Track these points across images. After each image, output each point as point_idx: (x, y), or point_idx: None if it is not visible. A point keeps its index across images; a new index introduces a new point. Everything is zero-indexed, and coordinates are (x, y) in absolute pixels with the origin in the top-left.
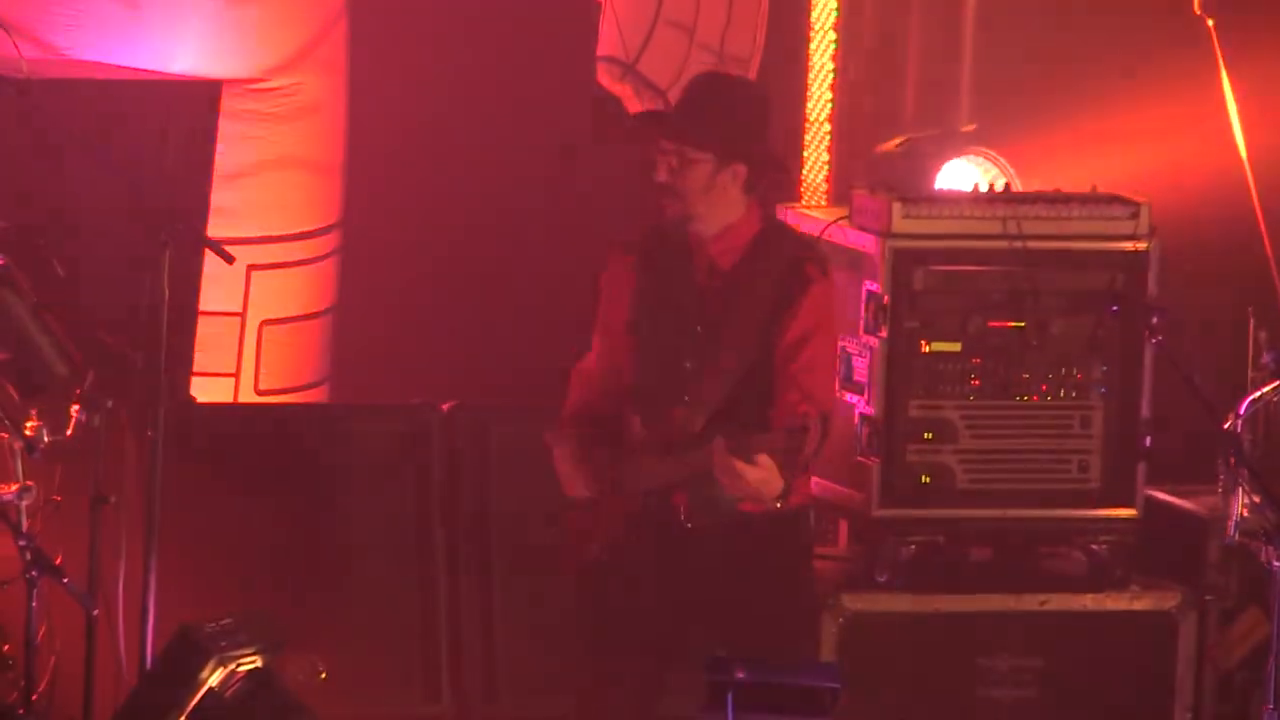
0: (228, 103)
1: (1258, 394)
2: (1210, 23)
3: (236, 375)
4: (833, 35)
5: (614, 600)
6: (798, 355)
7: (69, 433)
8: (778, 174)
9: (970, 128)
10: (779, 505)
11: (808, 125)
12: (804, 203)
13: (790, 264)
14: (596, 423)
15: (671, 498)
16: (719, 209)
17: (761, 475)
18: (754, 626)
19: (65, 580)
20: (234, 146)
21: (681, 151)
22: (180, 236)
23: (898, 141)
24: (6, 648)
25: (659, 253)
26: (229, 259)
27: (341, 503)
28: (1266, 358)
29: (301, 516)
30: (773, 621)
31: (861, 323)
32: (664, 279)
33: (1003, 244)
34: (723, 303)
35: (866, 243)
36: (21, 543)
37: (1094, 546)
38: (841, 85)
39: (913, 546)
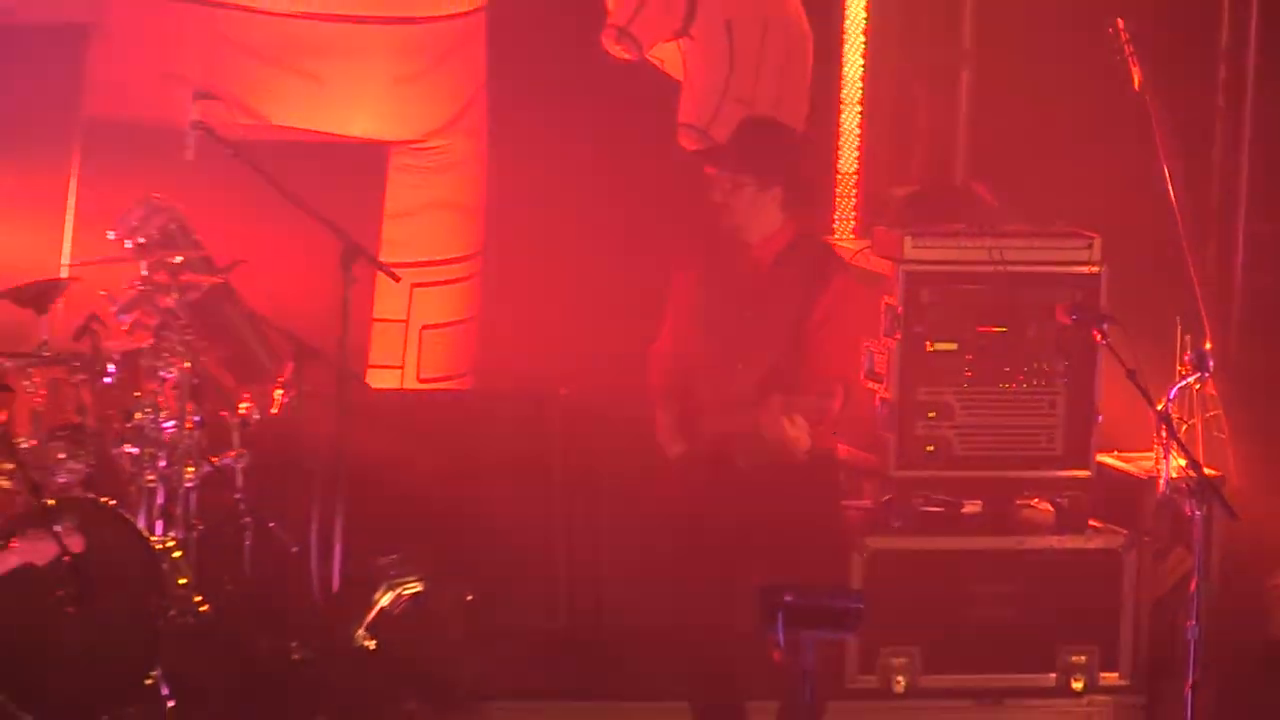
0: (394, 159)
1: (1183, 383)
2: (1147, 99)
3: (402, 367)
4: (858, 108)
5: (692, 524)
6: (824, 329)
7: (274, 411)
8: (807, 194)
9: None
10: (802, 458)
11: (839, 178)
12: (837, 236)
13: (816, 262)
14: (677, 392)
15: (729, 444)
16: (761, 222)
17: (796, 434)
18: (794, 538)
19: (271, 525)
20: (399, 192)
21: (732, 178)
22: (358, 262)
23: (910, 190)
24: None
25: (716, 256)
26: (396, 278)
27: (482, 465)
28: (1189, 355)
29: (451, 475)
30: (808, 534)
31: (881, 328)
32: (720, 276)
33: (989, 267)
34: (764, 293)
35: (885, 267)
36: (238, 496)
37: (1058, 499)
38: (865, 147)
39: (920, 499)
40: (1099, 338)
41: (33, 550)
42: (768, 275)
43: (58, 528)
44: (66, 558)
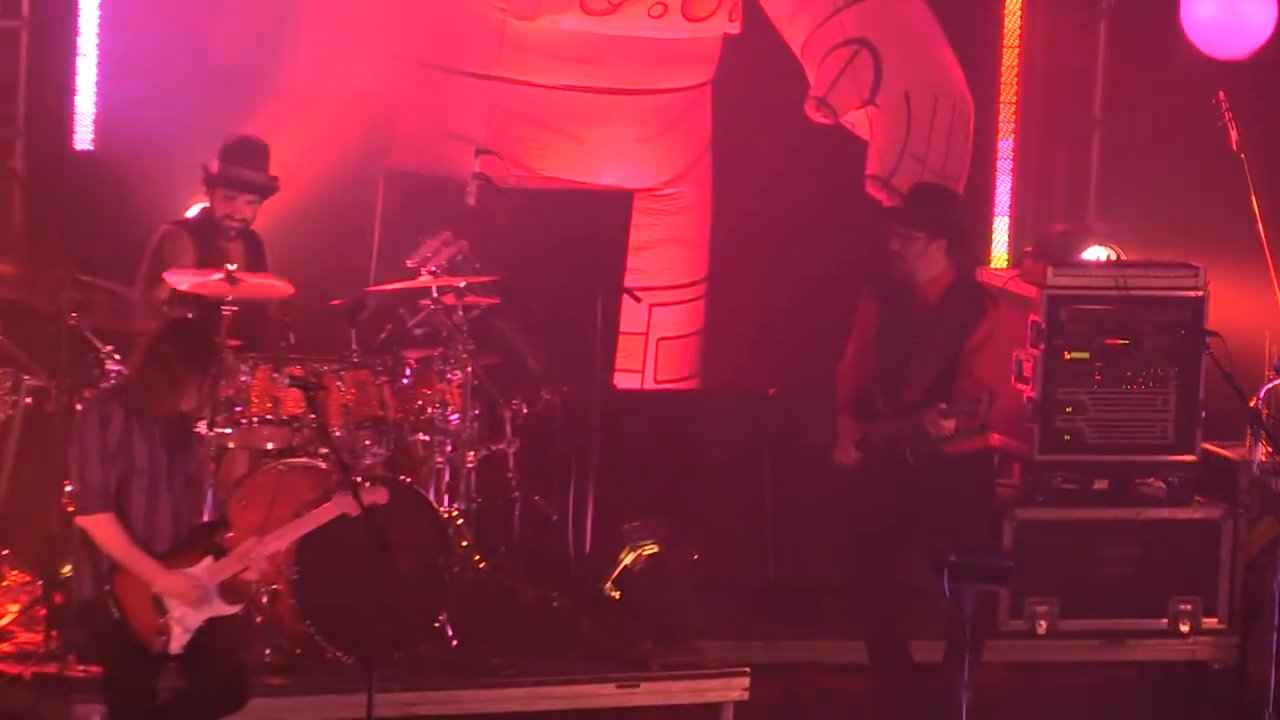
0: (638, 203)
1: (1270, 384)
2: (1243, 156)
3: (642, 371)
4: (1011, 162)
5: (871, 506)
6: (977, 355)
7: (539, 408)
8: (966, 245)
9: (1101, 226)
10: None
11: (995, 218)
12: (992, 266)
13: (972, 300)
14: (858, 405)
15: (901, 444)
16: (928, 267)
17: (951, 432)
18: (957, 510)
19: (536, 498)
20: (641, 230)
21: (906, 231)
22: (608, 286)
23: (1055, 231)
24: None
25: (892, 292)
26: (638, 300)
27: (704, 451)
28: (1275, 363)
29: (680, 458)
30: (968, 507)
31: (1028, 341)
32: (895, 309)
33: (1115, 292)
34: (929, 324)
35: (1031, 291)
36: (509, 475)
37: (1170, 479)
38: (1015, 194)
39: (1059, 479)
40: (1204, 348)
41: (348, 503)
42: (933, 310)
43: (364, 482)
44: (374, 504)
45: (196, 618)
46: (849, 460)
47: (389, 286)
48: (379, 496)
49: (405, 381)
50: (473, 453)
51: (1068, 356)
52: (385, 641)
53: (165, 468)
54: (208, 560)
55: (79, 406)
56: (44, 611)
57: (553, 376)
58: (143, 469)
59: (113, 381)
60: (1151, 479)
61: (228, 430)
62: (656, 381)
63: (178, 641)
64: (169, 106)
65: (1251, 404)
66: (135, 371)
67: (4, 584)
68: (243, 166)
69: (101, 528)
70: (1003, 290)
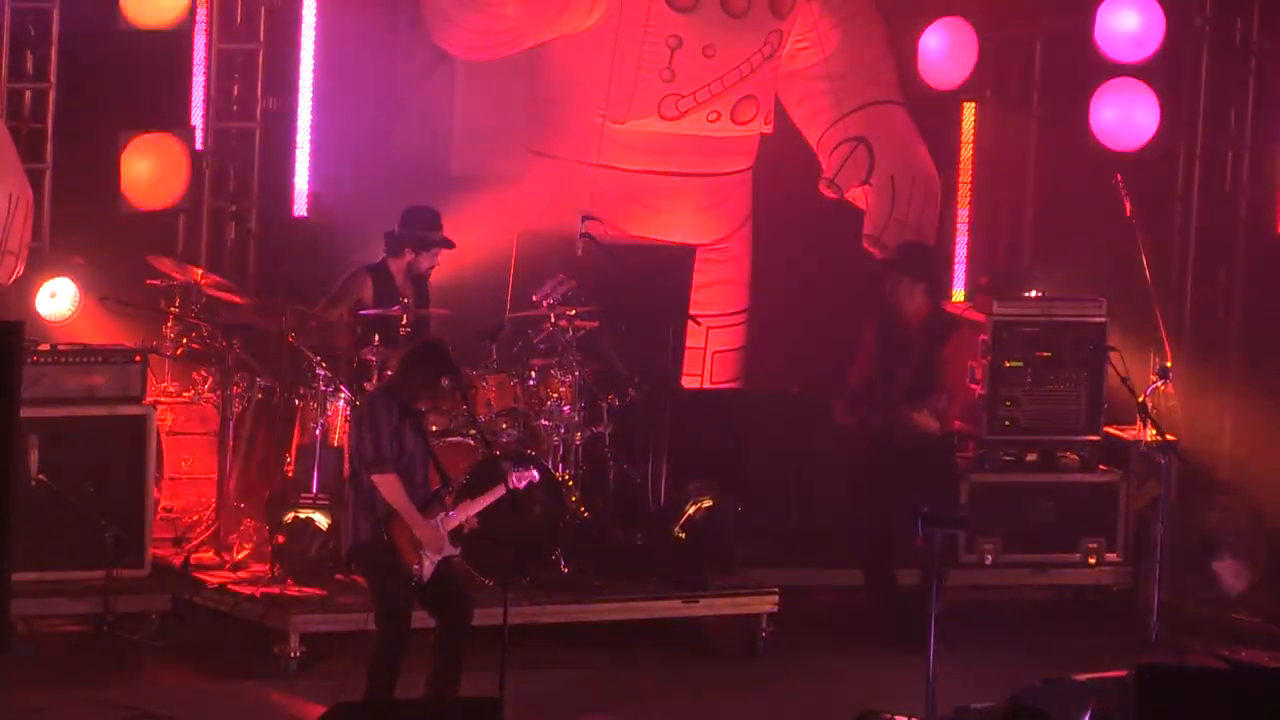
0: (699, 255)
1: (1154, 385)
2: (1134, 221)
3: (701, 375)
4: (966, 226)
5: (873, 476)
6: (946, 366)
7: (627, 401)
8: (938, 286)
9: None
10: (940, 432)
11: (955, 265)
12: (953, 300)
13: (943, 325)
14: (858, 394)
15: (890, 429)
16: (911, 302)
17: (926, 422)
18: (928, 480)
19: (625, 465)
20: (700, 274)
21: (896, 277)
22: (677, 314)
23: (997, 272)
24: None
25: (885, 321)
26: (699, 324)
27: (745, 433)
28: (1158, 369)
29: (728, 438)
30: (937, 474)
31: (979, 353)
32: (888, 330)
33: (1041, 318)
34: (910, 343)
35: (981, 318)
36: (606, 449)
37: (1081, 452)
38: (971, 244)
39: (1002, 453)
40: (1106, 356)
41: (518, 479)
42: (914, 332)
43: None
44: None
45: (438, 554)
46: (843, 420)
47: (520, 314)
48: (531, 477)
49: (531, 382)
50: (579, 433)
51: (1007, 365)
52: (516, 568)
53: (418, 448)
54: (442, 513)
55: (342, 394)
56: (270, 548)
57: (637, 379)
58: (409, 450)
59: (383, 384)
60: (1068, 453)
61: None
62: (711, 383)
63: (427, 571)
64: (361, 186)
65: (1140, 398)
66: (400, 377)
67: (241, 528)
68: (434, 230)
69: (390, 484)
70: (960, 317)
